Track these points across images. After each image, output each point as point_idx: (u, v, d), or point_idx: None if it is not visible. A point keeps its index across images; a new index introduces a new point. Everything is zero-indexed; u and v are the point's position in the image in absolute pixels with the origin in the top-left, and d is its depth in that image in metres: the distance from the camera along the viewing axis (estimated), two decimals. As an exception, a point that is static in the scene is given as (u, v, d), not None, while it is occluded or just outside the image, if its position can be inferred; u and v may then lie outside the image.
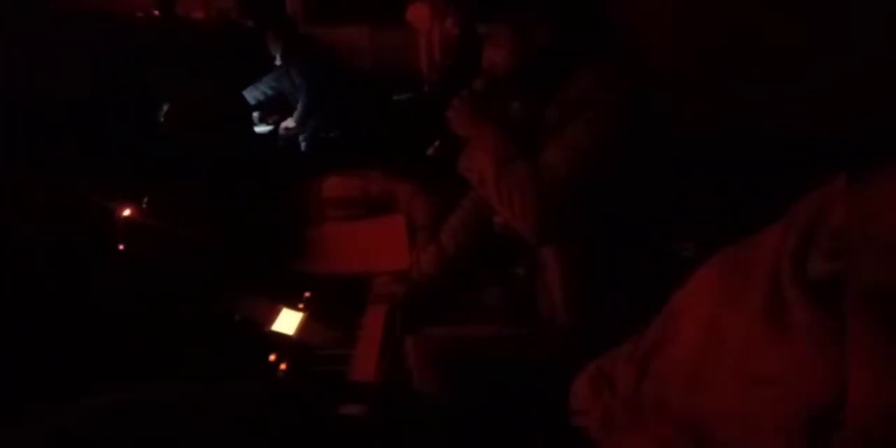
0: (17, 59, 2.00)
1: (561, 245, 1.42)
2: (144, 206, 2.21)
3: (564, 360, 1.38)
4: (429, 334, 1.47)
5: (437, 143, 1.55)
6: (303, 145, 3.76)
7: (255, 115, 3.68)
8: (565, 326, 1.45)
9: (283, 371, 1.31)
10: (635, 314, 1.23)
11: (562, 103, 1.36)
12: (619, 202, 1.34)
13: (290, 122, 3.71)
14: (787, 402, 0.71)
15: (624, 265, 1.41)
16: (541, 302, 1.53)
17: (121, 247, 2.05)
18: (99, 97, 2.25)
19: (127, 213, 2.17)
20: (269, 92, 3.70)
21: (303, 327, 1.43)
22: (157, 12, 4.05)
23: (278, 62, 3.68)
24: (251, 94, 3.63)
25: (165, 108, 3.01)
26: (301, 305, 1.55)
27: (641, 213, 1.37)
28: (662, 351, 0.93)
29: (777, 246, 0.75)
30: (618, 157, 1.30)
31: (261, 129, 3.63)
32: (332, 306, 1.61)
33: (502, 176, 1.33)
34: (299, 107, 3.65)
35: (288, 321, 1.45)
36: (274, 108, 3.76)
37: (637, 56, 1.47)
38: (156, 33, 3.51)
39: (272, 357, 1.34)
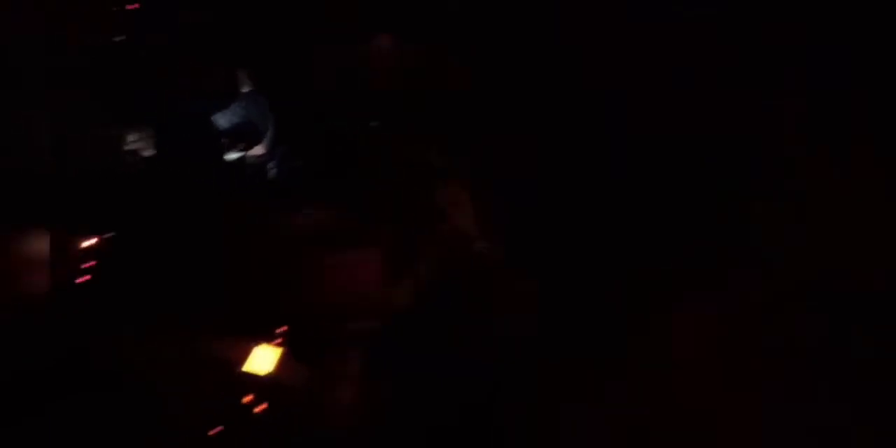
0: None
1: (534, 269, 1.41)
2: (110, 237, 2.16)
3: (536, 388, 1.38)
4: (404, 377, 1.44)
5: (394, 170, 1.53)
6: (271, 173, 3.70)
7: (224, 142, 3.63)
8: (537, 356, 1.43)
9: (260, 413, 1.27)
10: (610, 334, 1.23)
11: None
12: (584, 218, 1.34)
13: (258, 150, 3.66)
14: None
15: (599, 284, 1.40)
16: (513, 331, 1.51)
17: (81, 279, 1.99)
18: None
19: (90, 243, 2.12)
20: (237, 119, 3.65)
21: (280, 365, 1.40)
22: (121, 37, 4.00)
23: (246, 89, 3.64)
24: (220, 121, 3.57)
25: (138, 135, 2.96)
26: (278, 341, 1.51)
27: (617, 230, 1.37)
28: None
29: None
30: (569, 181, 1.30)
31: (229, 156, 3.58)
32: (309, 343, 1.57)
33: (479, 197, 1.33)
34: (268, 134, 3.61)
35: (263, 359, 1.41)
36: (242, 136, 3.71)
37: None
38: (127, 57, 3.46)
39: (246, 399, 1.30)
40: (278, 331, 1.58)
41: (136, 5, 4.12)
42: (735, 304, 1.03)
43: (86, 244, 2.10)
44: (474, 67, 1.42)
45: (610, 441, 1.08)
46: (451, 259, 1.74)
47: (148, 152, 3.15)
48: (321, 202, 2.42)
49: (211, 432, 1.17)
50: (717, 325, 1.02)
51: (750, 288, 1.03)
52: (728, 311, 1.04)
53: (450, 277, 1.73)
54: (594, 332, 1.20)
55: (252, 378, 1.35)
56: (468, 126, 1.47)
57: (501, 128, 1.44)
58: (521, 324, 1.47)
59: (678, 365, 1.03)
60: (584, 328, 1.34)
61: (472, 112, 1.47)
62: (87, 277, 1.96)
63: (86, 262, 2.01)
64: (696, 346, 1.02)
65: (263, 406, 1.30)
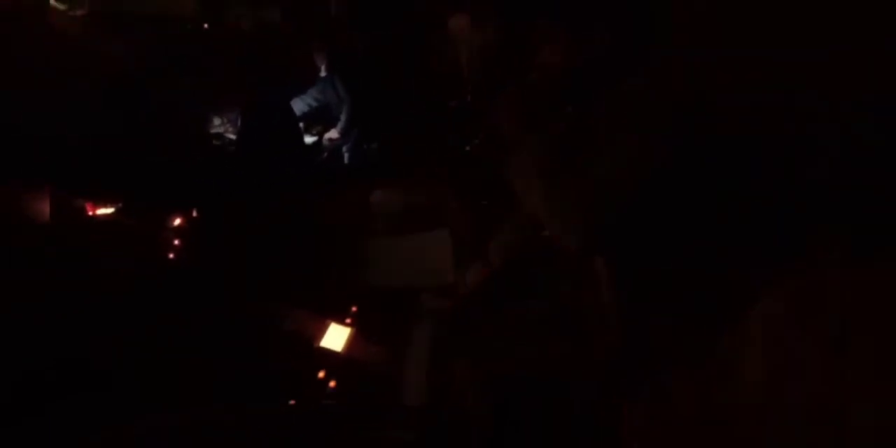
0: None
1: (610, 260, 1.38)
2: (194, 216, 2.26)
3: (612, 380, 1.36)
4: (477, 357, 1.45)
5: (477, 141, 1.52)
6: (346, 156, 3.78)
7: (301, 125, 3.72)
8: (612, 345, 1.41)
9: (331, 389, 1.31)
10: (685, 335, 1.20)
11: (616, 110, 1.32)
12: (671, 218, 1.30)
13: (333, 133, 3.74)
14: None
15: (675, 284, 1.36)
16: (588, 318, 1.49)
17: (171, 256, 2.10)
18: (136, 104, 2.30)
19: (177, 222, 2.23)
20: (314, 103, 3.73)
21: (350, 343, 1.43)
22: (205, 24, 4.14)
23: (323, 74, 3.71)
24: (297, 106, 3.67)
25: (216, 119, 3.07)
26: (348, 320, 1.55)
27: (695, 230, 1.33)
28: (728, 380, 0.90)
29: None
30: (671, 171, 1.26)
31: (306, 139, 3.67)
32: (379, 321, 1.60)
33: (549, 187, 1.30)
34: (343, 118, 3.68)
35: (336, 337, 1.45)
36: (318, 119, 3.80)
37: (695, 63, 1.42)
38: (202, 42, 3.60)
39: (321, 374, 1.35)
40: (352, 309, 1.62)
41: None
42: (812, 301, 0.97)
43: (173, 223, 2.22)
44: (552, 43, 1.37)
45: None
46: (521, 243, 1.73)
47: (231, 135, 3.28)
48: (393, 183, 2.44)
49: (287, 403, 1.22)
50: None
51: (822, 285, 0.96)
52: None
53: (520, 261, 1.73)
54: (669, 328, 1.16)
55: (327, 354, 1.40)
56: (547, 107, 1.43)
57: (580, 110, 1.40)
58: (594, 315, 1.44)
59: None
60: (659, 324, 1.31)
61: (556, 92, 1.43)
62: (174, 255, 2.07)
63: (172, 239, 2.12)
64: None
65: (334, 382, 1.34)
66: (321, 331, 1.46)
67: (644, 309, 1.38)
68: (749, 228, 1.36)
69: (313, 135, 3.75)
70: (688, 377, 1.04)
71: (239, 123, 2.86)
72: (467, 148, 1.52)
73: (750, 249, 1.35)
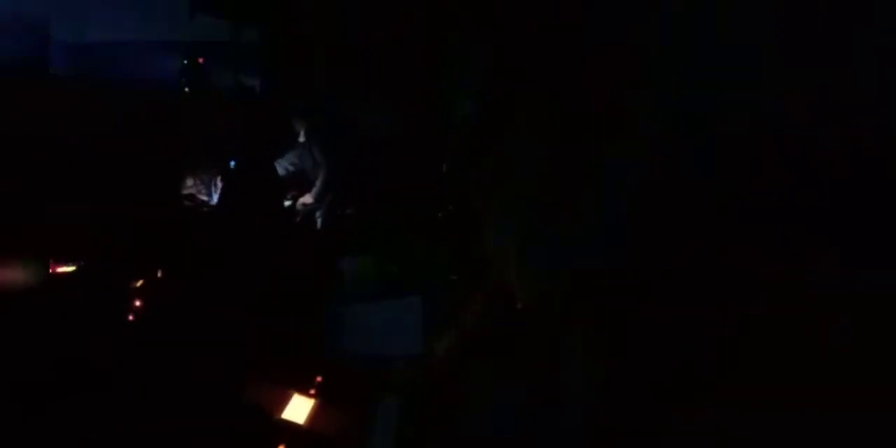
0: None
1: (587, 333, 1.36)
2: (159, 277, 2.20)
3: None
4: (446, 430, 1.39)
5: (449, 208, 1.52)
6: (319, 221, 3.77)
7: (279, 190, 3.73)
8: (588, 422, 1.36)
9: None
10: (676, 394, 1.16)
11: (593, 173, 1.32)
12: (654, 278, 1.28)
13: (308, 198, 3.75)
14: None
15: (663, 340, 1.33)
16: (563, 391, 1.45)
17: (130, 317, 2.01)
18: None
19: (139, 283, 2.16)
20: (291, 168, 3.76)
21: (314, 416, 1.36)
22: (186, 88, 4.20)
23: (302, 139, 3.76)
24: (276, 169, 3.70)
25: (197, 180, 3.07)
26: (312, 392, 1.48)
27: (680, 292, 1.31)
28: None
29: None
30: (647, 222, 1.25)
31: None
32: (346, 392, 1.54)
33: (527, 254, 1.29)
34: (318, 183, 3.70)
35: (299, 408, 1.38)
36: (292, 184, 3.82)
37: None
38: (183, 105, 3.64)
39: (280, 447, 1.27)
40: (317, 379, 1.55)
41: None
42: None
43: (135, 283, 2.15)
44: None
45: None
46: (494, 313, 1.70)
47: (204, 196, 3.26)
48: (365, 250, 2.43)
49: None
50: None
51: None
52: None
53: (493, 331, 1.69)
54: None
55: (288, 426, 1.32)
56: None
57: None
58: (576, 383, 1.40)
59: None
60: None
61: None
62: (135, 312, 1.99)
63: (133, 300, 2.04)
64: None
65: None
66: (283, 402, 1.39)
67: (622, 382, 1.34)
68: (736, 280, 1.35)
69: (287, 199, 3.75)
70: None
71: (218, 186, 2.86)
72: (440, 214, 1.52)
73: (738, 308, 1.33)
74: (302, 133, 3.77)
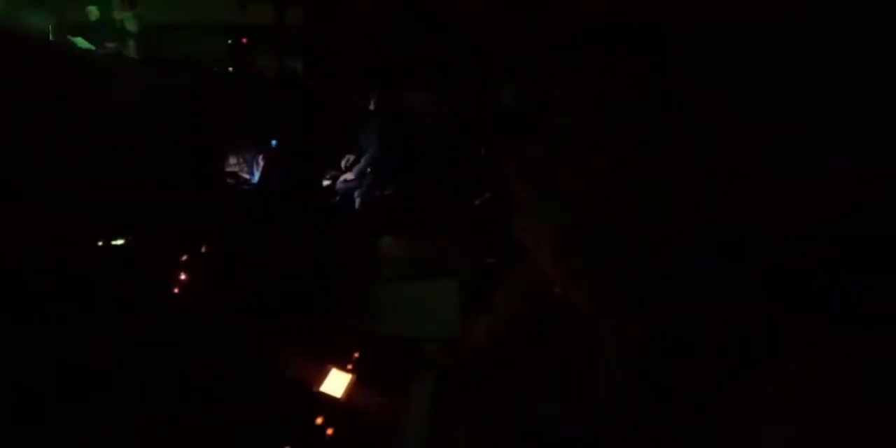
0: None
1: (620, 319, 1.37)
2: (203, 252, 2.26)
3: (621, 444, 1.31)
4: (479, 414, 1.41)
5: (486, 195, 1.53)
6: (357, 201, 3.82)
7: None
8: (621, 412, 1.38)
9: (329, 436, 1.28)
10: (702, 402, 1.17)
11: (632, 170, 1.33)
12: (689, 277, 1.29)
13: (349, 175, 3.80)
14: None
15: (691, 346, 1.34)
16: (596, 381, 1.46)
17: (175, 290, 2.08)
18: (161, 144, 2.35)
19: (185, 258, 2.23)
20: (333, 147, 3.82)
21: (351, 390, 1.41)
22: (230, 68, 4.27)
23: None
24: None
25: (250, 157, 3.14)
26: (350, 367, 1.52)
27: (714, 291, 1.31)
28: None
29: None
30: (693, 230, 1.26)
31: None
32: (381, 370, 1.58)
33: (562, 242, 1.30)
34: (362, 161, 3.75)
35: (336, 383, 1.42)
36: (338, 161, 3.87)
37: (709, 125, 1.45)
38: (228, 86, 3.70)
39: (319, 420, 1.31)
40: (355, 355, 1.59)
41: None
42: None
43: (181, 258, 2.21)
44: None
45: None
46: (529, 299, 1.72)
47: (246, 175, 3.33)
48: (403, 231, 2.45)
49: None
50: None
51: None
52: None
53: (527, 317, 1.70)
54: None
55: (326, 400, 1.37)
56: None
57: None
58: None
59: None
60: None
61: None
62: (178, 290, 2.06)
63: (178, 274, 2.11)
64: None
65: (332, 430, 1.31)
66: (322, 375, 1.44)
67: (654, 372, 1.35)
68: (768, 290, 1.35)
69: (327, 178, 3.80)
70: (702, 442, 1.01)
71: (260, 165, 2.93)
72: (477, 202, 1.53)
73: (770, 310, 1.33)
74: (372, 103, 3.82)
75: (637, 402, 1.36)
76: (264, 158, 2.88)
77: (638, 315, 1.33)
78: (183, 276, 2.10)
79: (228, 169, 3.43)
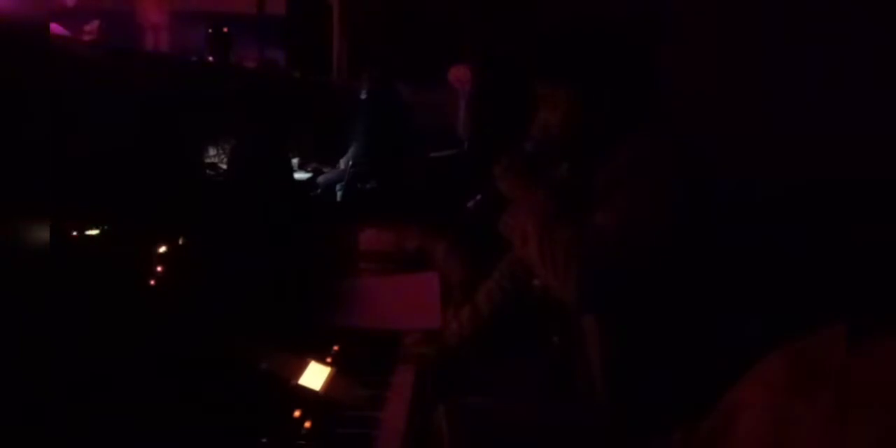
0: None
1: (602, 314, 1.37)
2: (181, 244, 2.22)
3: (605, 442, 1.31)
4: (462, 405, 1.40)
5: (477, 198, 1.53)
6: (339, 195, 3.79)
7: (295, 161, 3.74)
8: (603, 405, 1.37)
9: (306, 429, 1.25)
10: (681, 396, 1.17)
11: (614, 169, 1.34)
12: (669, 273, 1.29)
13: (329, 171, 3.78)
14: None
15: (671, 341, 1.34)
16: (578, 375, 1.46)
17: (152, 283, 2.04)
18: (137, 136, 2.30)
19: (162, 250, 2.18)
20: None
21: (330, 383, 1.38)
22: (210, 58, 4.21)
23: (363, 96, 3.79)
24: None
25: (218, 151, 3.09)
26: (329, 360, 1.50)
27: (694, 286, 1.32)
28: (721, 444, 0.87)
29: None
30: (671, 226, 1.27)
31: (299, 176, 3.68)
32: (361, 363, 1.56)
33: (546, 237, 1.30)
34: (353, 147, 3.73)
35: (315, 375, 1.40)
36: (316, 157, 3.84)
37: (687, 126, 1.47)
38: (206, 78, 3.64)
39: (297, 413, 1.29)
40: (334, 348, 1.57)
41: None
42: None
43: (158, 249, 2.17)
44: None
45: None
46: (512, 291, 1.71)
47: (224, 166, 3.27)
48: (383, 223, 2.43)
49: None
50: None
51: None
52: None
53: (508, 309, 1.70)
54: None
55: (304, 392, 1.34)
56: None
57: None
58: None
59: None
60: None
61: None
62: (155, 282, 2.02)
63: (155, 266, 2.07)
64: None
65: (310, 423, 1.29)
66: (300, 368, 1.41)
67: (634, 369, 1.36)
68: (753, 292, 1.36)
69: (308, 171, 3.77)
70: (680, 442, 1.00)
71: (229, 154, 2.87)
72: (469, 204, 1.53)
73: (752, 312, 1.34)
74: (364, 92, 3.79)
75: (618, 399, 1.36)
76: (231, 150, 2.84)
77: (618, 314, 1.34)
78: (159, 269, 2.06)
79: (207, 160, 3.37)
